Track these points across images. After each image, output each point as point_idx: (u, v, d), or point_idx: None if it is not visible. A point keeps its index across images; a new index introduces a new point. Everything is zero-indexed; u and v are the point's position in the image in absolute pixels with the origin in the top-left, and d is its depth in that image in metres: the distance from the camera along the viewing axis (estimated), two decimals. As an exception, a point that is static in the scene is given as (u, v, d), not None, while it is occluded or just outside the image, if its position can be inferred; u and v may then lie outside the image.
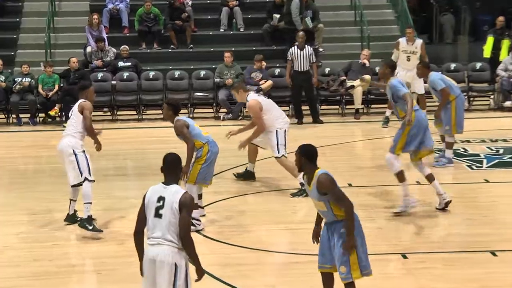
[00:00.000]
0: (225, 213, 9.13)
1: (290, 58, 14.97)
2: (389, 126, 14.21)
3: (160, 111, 15.91)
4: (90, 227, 8.33)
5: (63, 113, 15.44)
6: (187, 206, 5.23)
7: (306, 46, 14.98)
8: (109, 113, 15.96)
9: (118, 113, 15.90)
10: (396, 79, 9.21)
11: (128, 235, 8.32)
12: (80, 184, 8.58)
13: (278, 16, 17.30)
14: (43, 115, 15.60)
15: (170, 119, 8.49)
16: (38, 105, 15.54)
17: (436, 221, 8.76)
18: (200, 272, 5.35)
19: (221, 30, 17.80)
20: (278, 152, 9.83)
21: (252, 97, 9.98)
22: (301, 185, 9.46)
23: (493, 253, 7.62)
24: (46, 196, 10.12)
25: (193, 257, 5.28)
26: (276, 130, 9.83)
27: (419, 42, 14.36)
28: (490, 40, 16.59)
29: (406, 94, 8.82)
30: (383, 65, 9.43)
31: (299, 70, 14.88)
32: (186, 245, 5.22)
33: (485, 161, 11.40)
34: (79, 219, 8.59)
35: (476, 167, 11.14)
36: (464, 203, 9.41)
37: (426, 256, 7.66)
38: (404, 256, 7.60)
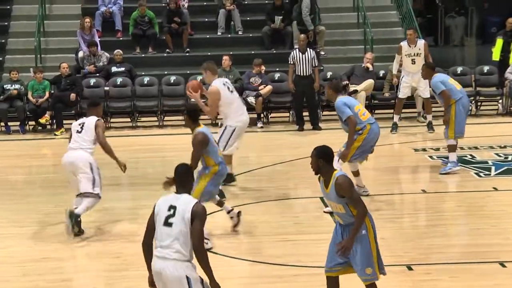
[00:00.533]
0: (223, 223, 9.13)
1: (292, 62, 14.96)
2: (398, 132, 14.25)
3: (155, 118, 16.00)
4: (72, 223, 8.66)
5: (54, 121, 15.49)
6: (199, 216, 5.30)
7: (308, 49, 15.00)
8: (102, 120, 15.95)
9: (112, 120, 15.92)
10: (341, 99, 9.55)
11: (122, 248, 8.37)
12: (87, 195, 8.94)
13: (280, 17, 17.35)
14: (33, 123, 15.62)
15: (190, 128, 8.42)
16: (27, 113, 15.57)
17: (442, 231, 8.76)
18: (214, 284, 5.35)
19: (218, 33, 17.86)
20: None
21: (217, 83, 10.20)
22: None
23: (502, 264, 7.62)
24: (36, 208, 10.14)
25: (207, 269, 5.30)
26: (226, 126, 10.10)
27: (421, 42, 14.43)
28: (499, 42, 16.58)
29: (350, 117, 9.38)
30: (327, 87, 9.94)
31: (301, 74, 14.89)
32: (199, 256, 5.27)
33: (493, 168, 11.40)
34: (77, 217, 8.79)
35: (484, 174, 11.15)
36: (472, 212, 9.43)
37: (432, 267, 7.66)
38: (409, 268, 7.61)
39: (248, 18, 18.17)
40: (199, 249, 5.27)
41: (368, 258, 6.04)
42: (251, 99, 15.54)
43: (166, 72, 16.59)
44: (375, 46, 17.20)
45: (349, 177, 6.11)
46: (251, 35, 17.91)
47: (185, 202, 5.34)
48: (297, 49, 15.10)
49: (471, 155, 12.15)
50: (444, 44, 23.89)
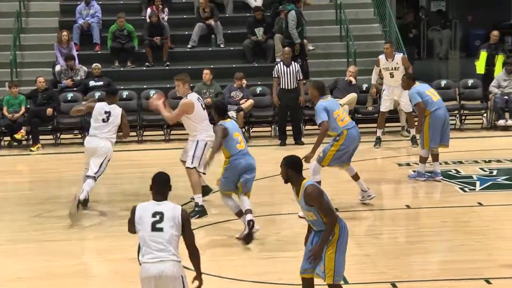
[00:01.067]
0: (205, 239, 9.11)
1: (276, 76, 14.98)
2: (382, 146, 14.31)
3: (134, 133, 15.93)
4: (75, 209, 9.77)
5: (30, 136, 15.41)
6: (188, 219, 5.79)
7: (292, 62, 15.03)
8: (79, 136, 15.92)
9: (90, 135, 15.84)
10: (322, 103, 9.94)
11: (99, 267, 8.33)
12: (90, 177, 10.21)
13: (261, 29, 17.41)
14: (8, 138, 15.53)
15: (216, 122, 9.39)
16: (2, 128, 15.49)
17: (427, 247, 8.79)
18: (200, 279, 5.83)
19: (188, 46, 17.84)
20: (192, 163, 10.06)
21: (192, 98, 10.24)
22: (197, 206, 9.99)
23: (487, 280, 7.65)
24: (11, 226, 10.06)
25: (198, 266, 5.83)
26: (197, 141, 10.11)
27: (399, 56, 14.45)
28: (483, 55, 16.72)
29: (323, 123, 9.86)
30: (311, 86, 10.22)
31: (286, 88, 14.90)
32: (196, 254, 5.79)
33: (478, 183, 11.47)
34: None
35: (469, 189, 11.21)
36: (457, 228, 9.46)
37: (417, 284, 7.67)
38: (393, 285, 7.61)
39: (229, 31, 18.21)
40: (195, 247, 5.77)
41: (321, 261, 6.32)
42: (232, 114, 15.51)
43: (145, 86, 16.58)
44: (358, 59, 17.29)
45: (318, 186, 6.35)
46: (232, 48, 17.95)
47: (171, 208, 5.72)
48: (281, 62, 15.13)
49: (455, 169, 12.21)
50: (428, 57, 24.06)
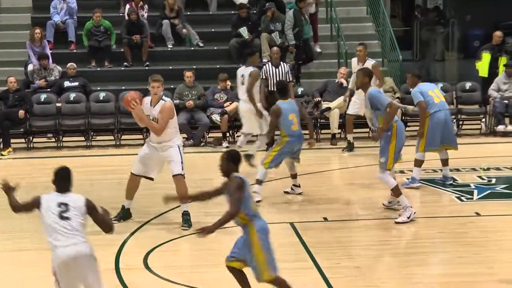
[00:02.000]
0: (183, 252, 9.12)
1: (264, 77, 14.97)
2: (354, 152, 14.40)
3: (111, 137, 15.91)
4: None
5: (1, 140, 15.36)
6: (92, 206, 6.65)
7: (281, 63, 15.02)
8: (53, 140, 15.89)
9: (64, 139, 15.83)
10: (375, 88, 10.37)
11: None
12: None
13: (245, 28, 17.44)
14: (-23, 142, 15.48)
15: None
16: (-29, 131, 15.45)
17: (422, 259, 8.82)
18: None
19: (169, 46, 17.85)
20: (182, 170, 9.96)
21: (170, 101, 10.21)
22: (185, 214, 9.99)
23: (485, 295, 7.71)
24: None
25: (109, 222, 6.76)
26: (178, 146, 10.06)
27: (370, 63, 14.29)
28: (486, 57, 16.75)
29: (390, 103, 10.02)
30: (361, 74, 10.32)
31: (274, 89, 14.92)
32: (111, 228, 6.76)
33: (476, 192, 11.53)
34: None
35: (466, 198, 11.27)
36: (453, 239, 9.50)
37: (411, 299, 7.73)
38: (386, 299, 7.65)
39: (213, 30, 18.24)
40: (109, 225, 6.74)
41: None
42: (216, 117, 15.57)
43: (124, 87, 16.55)
44: (350, 60, 17.33)
45: (244, 180, 6.98)
46: (215, 48, 17.97)
47: (75, 200, 6.62)
48: (269, 63, 15.13)
49: (452, 177, 12.26)
50: (422, 59, 24.15)
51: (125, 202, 10.35)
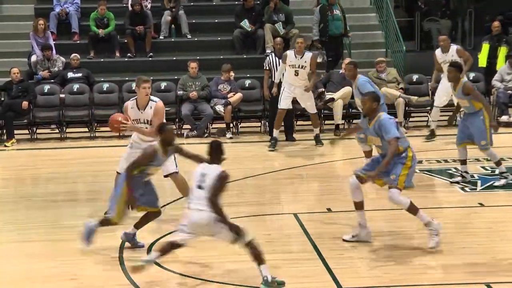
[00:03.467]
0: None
1: (267, 68, 14.97)
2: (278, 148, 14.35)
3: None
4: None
5: (4, 131, 15.39)
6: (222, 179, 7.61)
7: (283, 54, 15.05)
8: (57, 131, 15.91)
9: (68, 130, 15.85)
10: (386, 116, 8.93)
11: (78, 270, 8.33)
12: None
13: (246, 21, 17.43)
14: (-19, 133, 15.51)
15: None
16: (-25, 122, 15.47)
17: (425, 250, 8.82)
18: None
19: (161, 37, 17.84)
20: (176, 167, 9.87)
21: (159, 99, 9.77)
22: None
23: (489, 285, 7.70)
24: None
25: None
26: None
27: (308, 55, 14.26)
28: (485, 47, 16.80)
29: (393, 139, 8.70)
30: (368, 100, 8.89)
31: (278, 81, 14.95)
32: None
33: (479, 182, 11.55)
34: None
35: (470, 189, 11.29)
36: (457, 230, 9.51)
37: (414, 289, 7.75)
38: (390, 290, 7.67)
39: (216, 20, 18.23)
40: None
41: None
42: (219, 108, 15.58)
43: (127, 78, 16.58)
44: (354, 51, 17.34)
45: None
46: (219, 38, 17.96)
47: (213, 169, 7.62)
48: (272, 54, 15.12)
49: (455, 168, 12.27)
50: (426, 49, 24.08)
51: None
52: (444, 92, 14.51)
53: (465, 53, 14.65)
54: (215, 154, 7.81)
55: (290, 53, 14.33)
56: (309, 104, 14.33)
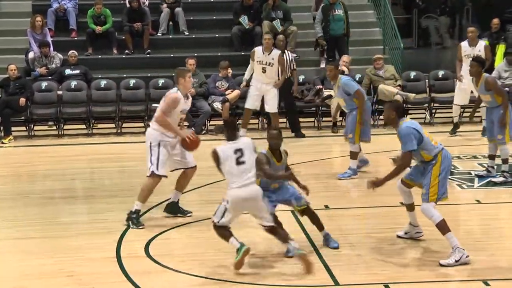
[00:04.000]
0: (184, 240, 9.14)
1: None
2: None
3: (112, 125, 15.92)
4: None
5: (2, 128, 15.38)
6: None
7: (286, 51, 15.13)
8: (54, 127, 15.90)
9: (65, 127, 15.84)
10: (407, 125, 8.35)
11: (76, 266, 8.33)
12: None
13: (245, 17, 17.42)
14: (-22, 130, 15.49)
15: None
16: (-28, 119, 15.45)
17: (423, 247, 8.84)
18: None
19: (158, 34, 17.82)
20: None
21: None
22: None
23: (486, 282, 7.71)
24: None
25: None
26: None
27: (276, 53, 14.40)
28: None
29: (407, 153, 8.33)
30: (388, 109, 8.48)
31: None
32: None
33: (476, 179, 11.57)
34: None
35: (467, 186, 11.31)
36: (454, 227, 9.44)
37: (411, 286, 7.73)
38: (386, 287, 7.66)
39: (214, 17, 18.22)
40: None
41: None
42: (217, 105, 15.58)
43: (125, 75, 16.58)
44: (351, 48, 17.33)
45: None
46: (217, 35, 17.95)
47: (245, 141, 8.10)
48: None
49: (453, 165, 12.25)
50: (424, 46, 24.12)
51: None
52: (463, 89, 14.58)
53: (490, 54, 14.68)
54: (233, 131, 8.16)
55: (258, 49, 14.51)
56: (271, 103, 14.42)
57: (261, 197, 8.05)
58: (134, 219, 9.48)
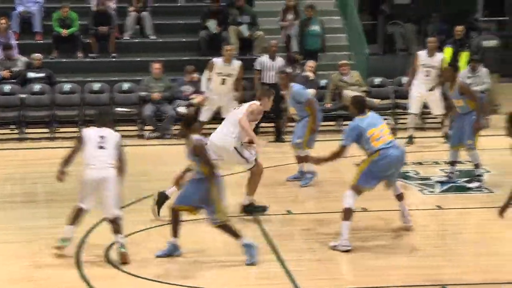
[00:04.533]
0: (148, 244, 9.12)
1: (259, 68, 15.12)
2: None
3: (76, 129, 15.77)
4: None
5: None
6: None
7: (276, 56, 15.25)
8: (16, 131, 15.75)
9: (27, 131, 15.70)
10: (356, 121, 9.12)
11: (35, 271, 8.28)
12: None
13: (214, 22, 17.39)
14: None
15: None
16: None
17: (383, 251, 8.91)
18: None
19: (125, 38, 17.76)
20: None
21: None
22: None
23: (444, 287, 7.79)
24: None
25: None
26: None
27: (237, 63, 14.50)
28: (448, 51, 16.83)
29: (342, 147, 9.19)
30: (350, 103, 9.31)
31: (268, 82, 14.99)
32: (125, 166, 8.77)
33: (437, 185, 11.66)
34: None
35: (428, 191, 11.40)
36: (414, 232, 9.59)
37: (371, 291, 7.80)
38: (347, 292, 7.73)
39: (181, 22, 18.19)
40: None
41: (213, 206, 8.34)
42: (181, 109, 15.51)
43: (90, 79, 16.47)
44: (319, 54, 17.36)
45: (201, 141, 8.37)
46: (184, 40, 17.92)
47: (110, 132, 8.66)
48: (266, 55, 15.38)
49: (415, 170, 12.39)
50: (389, 53, 24.24)
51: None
52: (418, 98, 14.65)
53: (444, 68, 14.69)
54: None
55: (217, 61, 14.51)
56: (229, 108, 14.39)
57: None
58: (254, 210, 10.09)
